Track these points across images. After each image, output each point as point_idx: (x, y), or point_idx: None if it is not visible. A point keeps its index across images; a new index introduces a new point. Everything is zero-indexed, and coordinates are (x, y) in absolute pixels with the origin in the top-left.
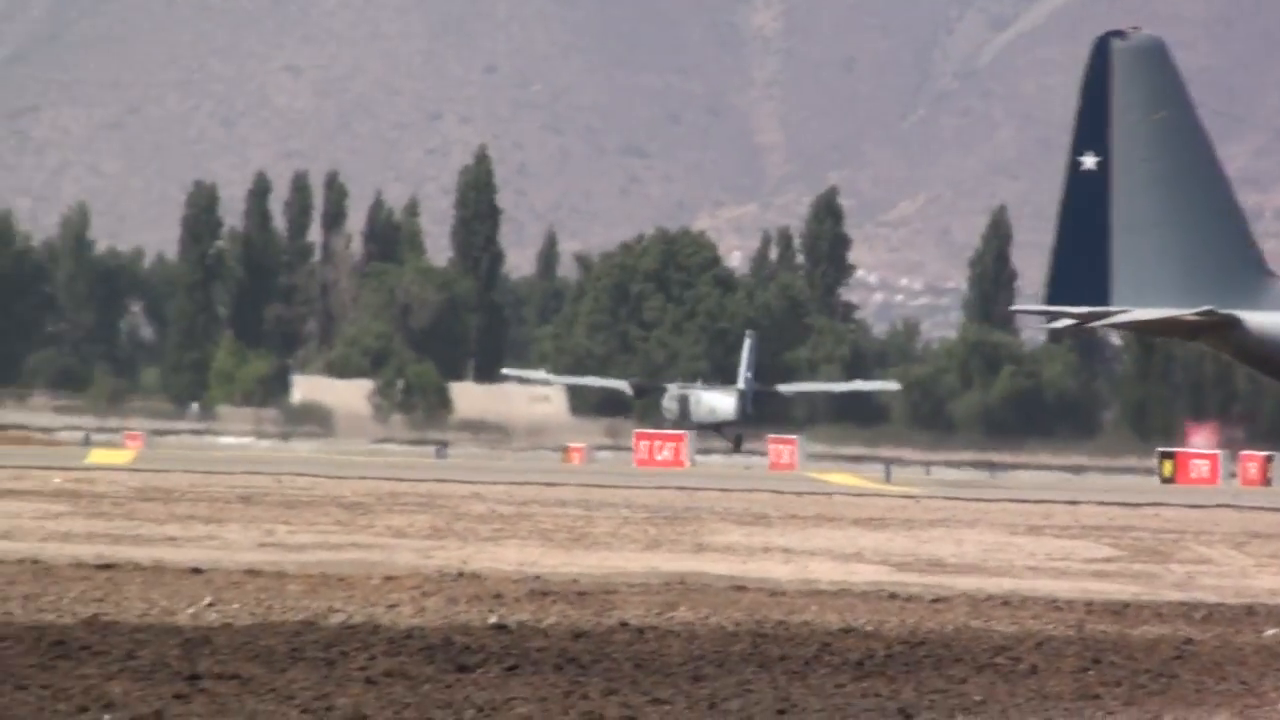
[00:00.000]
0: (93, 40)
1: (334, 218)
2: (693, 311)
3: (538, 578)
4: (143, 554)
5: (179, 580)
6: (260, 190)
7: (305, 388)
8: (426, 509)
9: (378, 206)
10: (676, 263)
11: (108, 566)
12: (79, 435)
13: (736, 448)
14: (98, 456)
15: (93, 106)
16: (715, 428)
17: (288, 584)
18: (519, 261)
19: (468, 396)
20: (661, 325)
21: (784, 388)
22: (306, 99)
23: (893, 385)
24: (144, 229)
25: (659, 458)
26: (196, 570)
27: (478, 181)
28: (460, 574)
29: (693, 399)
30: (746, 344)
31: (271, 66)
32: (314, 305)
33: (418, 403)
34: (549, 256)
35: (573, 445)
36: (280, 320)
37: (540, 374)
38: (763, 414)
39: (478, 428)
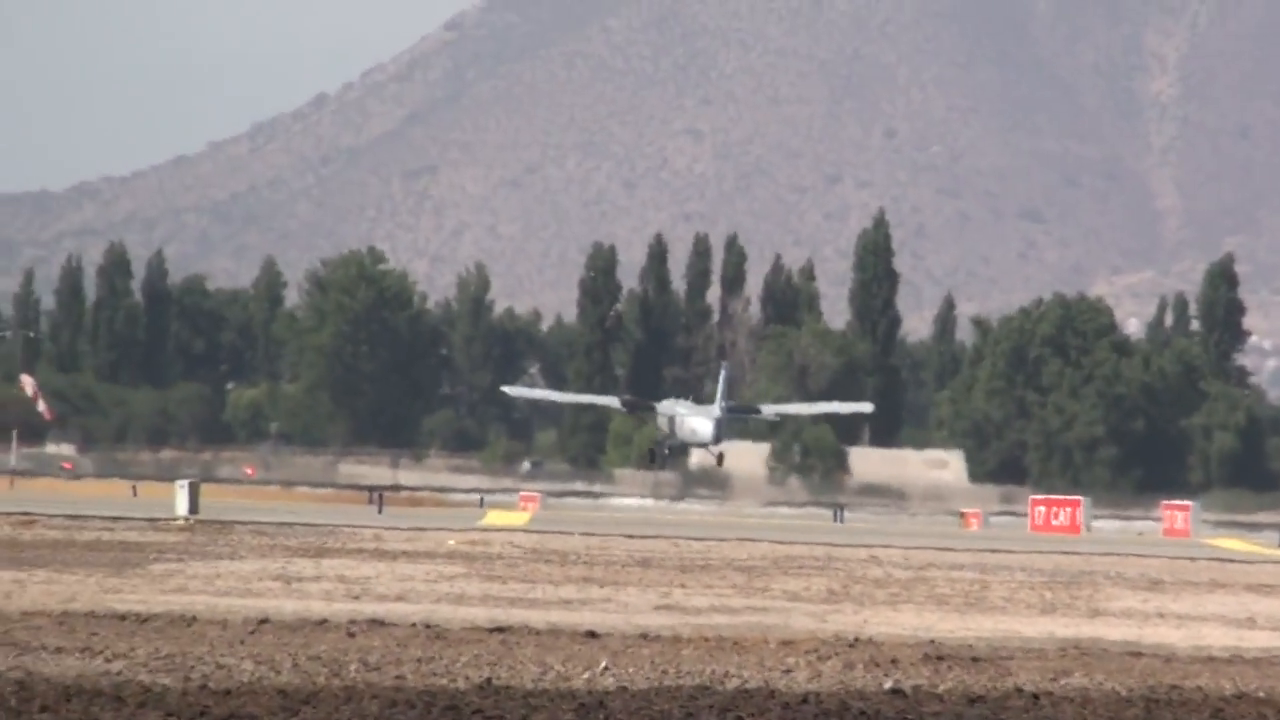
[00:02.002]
0: (491, 101)
1: (733, 280)
2: (1089, 376)
3: (933, 642)
4: (537, 617)
5: (574, 644)
6: (659, 252)
7: (702, 451)
8: (823, 573)
9: (776, 269)
10: (1074, 328)
11: (502, 630)
12: (474, 496)
13: (719, 463)
14: (493, 518)
15: (491, 167)
16: (683, 448)
17: (683, 648)
18: (916, 325)
19: (865, 460)
20: (1058, 390)
21: (765, 407)
22: (706, 161)
23: (865, 407)
24: (542, 291)
25: (1054, 523)
26: (592, 634)
27: (876, 245)
28: (856, 639)
29: (678, 419)
30: (722, 374)
31: (672, 129)
32: (711, 367)
33: (814, 466)
34: (946, 320)
35: (968, 510)
36: (678, 382)
37: (539, 391)
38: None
39: (874, 491)
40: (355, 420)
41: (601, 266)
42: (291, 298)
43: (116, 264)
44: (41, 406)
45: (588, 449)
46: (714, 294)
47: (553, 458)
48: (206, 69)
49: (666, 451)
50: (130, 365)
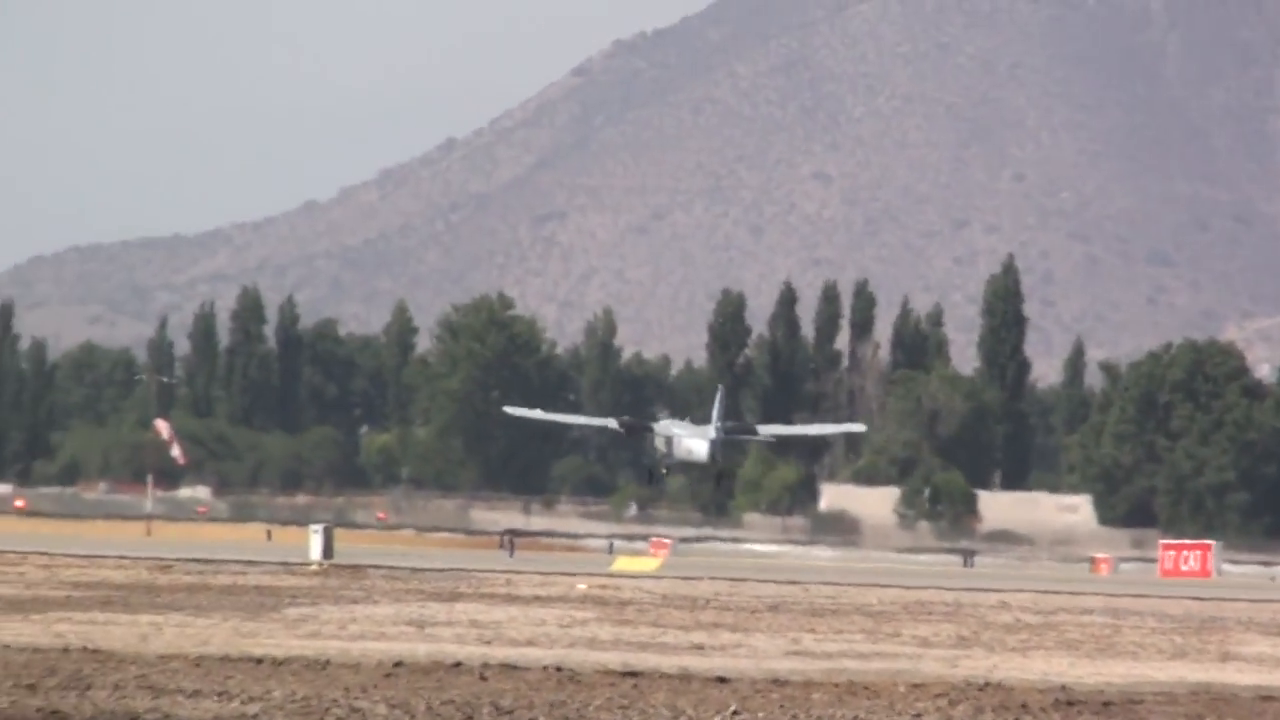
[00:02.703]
0: (619, 146)
1: (862, 326)
2: (1220, 421)
3: (1064, 688)
4: (668, 662)
5: (705, 688)
6: (788, 298)
7: (832, 495)
8: (952, 618)
9: (905, 314)
10: (1204, 373)
11: (633, 674)
12: (604, 542)
13: (718, 484)
14: (623, 564)
15: (619, 213)
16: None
17: (813, 692)
18: (1045, 370)
19: (995, 505)
20: (1188, 435)
21: (761, 428)
22: (834, 206)
23: (858, 427)
24: (670, 336)
25: (1184, 567)
26: (722, 679)
27: (1004, 290)
28: (986, 684)
29: (675, 440)
30: (718, 396)
31: (800, 174)
32: (841, 413)
33: (944, 511)
34: (1076, 365)
35: (1099, 555)
36: None
37: (538, 412)
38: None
39: (1004, 537)
40: (486, 465)
41: (730, 312)
42: (422, 343)
43: (250, 309)
44: (176, 451)
45: (718, 494)
46: (843, 339)
47: (683, 504)
48: (338, 115)
49: (664, 471)
50: (263, 410)
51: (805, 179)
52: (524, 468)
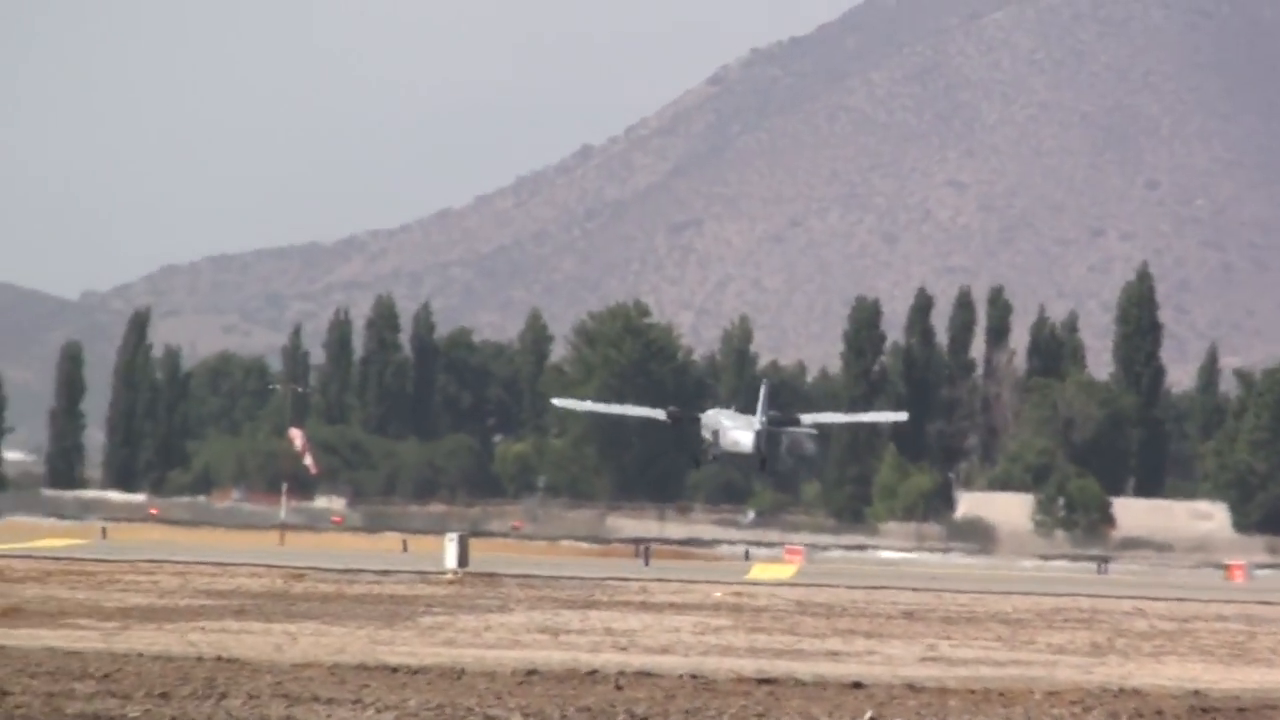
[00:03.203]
0: (754, 154)
1: (997, 333)
2: None
3: (1199, 694)
4: (803, 668)
5: (840, 695)
6: (922, 305)
7: (968, 503)
8: (1088, 625)
9: (1040, 322)
10: None
11: (768, 681)
12: (740, 549)
13: (761, 467)
14: (759, 571)
15: (755, 221)
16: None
17: (949, 699)
18: (1180, 377)
19: (1129, 512)
20: None
21: (804, 417)
22: (969, 214)
23: (900, 416)
24: (806, 343)
25: None
26: (858, 685)
27: (1139, 298)
28: (1121, 690)
29: (721, 431)
30: (763, 387)
31: (934, 181)
32: (976, 420)
33: (1079, 519)
34: (1210, 372)
35: (1233, 562)
36: (942, 435)
37: (586, 404)
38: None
39: (1139, 544)
40: (621, 474)
41: (865, 319)
42: (557, 351)
43: (384, 318)
44: (309, 460)
45: (853, 501)
46: (977, 347)
47: (817, 510)
48: (473, 123)
49: (711, 458)
50: (398, 418)
51: (940, 186)
52: (659, 475)
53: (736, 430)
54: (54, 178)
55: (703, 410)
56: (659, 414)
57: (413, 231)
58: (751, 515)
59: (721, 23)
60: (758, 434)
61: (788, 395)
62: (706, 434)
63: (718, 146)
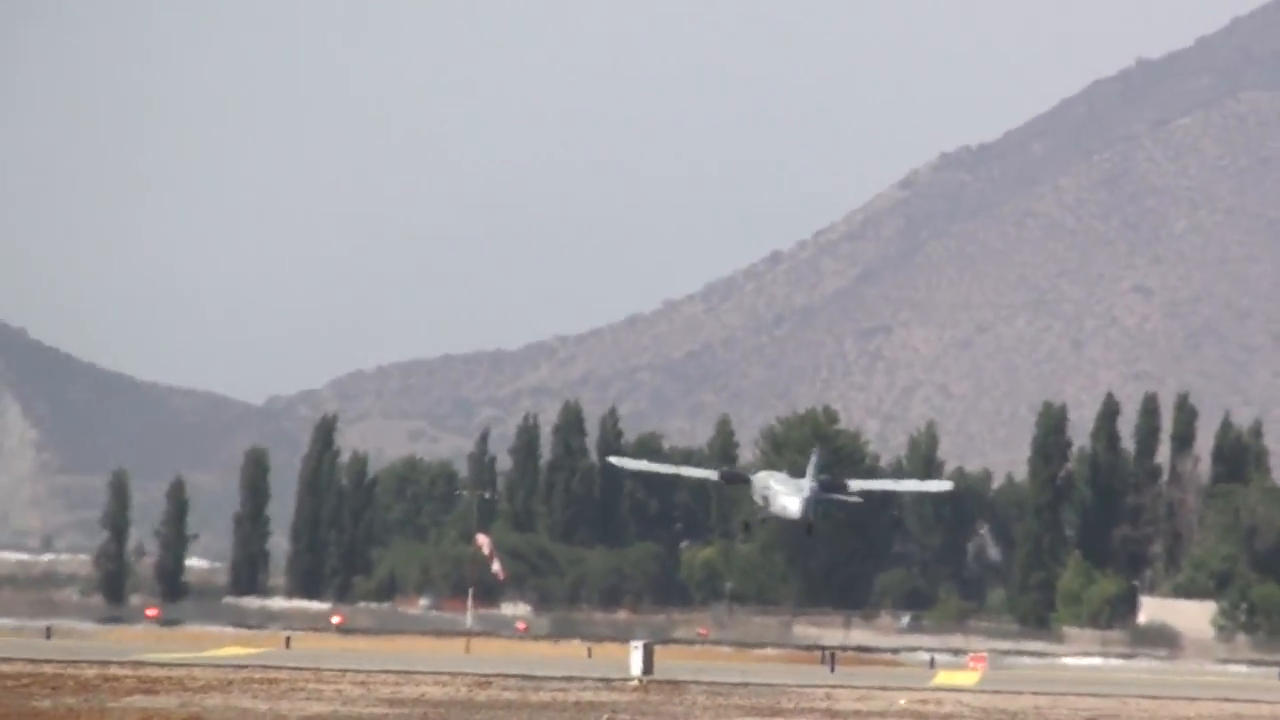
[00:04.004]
0: (943, 260)
1: (1182, 439)
2: None
3: None
4: None
5: None
6: (1109, 411)
7: (1152, 609)
8: None
9: (1225, 428)
10: None
11: None
12: (925, 656)
13: (808, 532)
14: (944, 678)
15: (943, 327)
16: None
17: None
18: None
19: None
20: None
21: (852, 483)
22: (1156, 320)
23: (946, 485)
24: (992, 450)
25: None
26: None
27: None
28: None
29: (771, 495)
30: (813, 455)
31: (1121, 287)
32: (1160, 526)
33: (1261, 623)
34: None
35: None
36: (1127, 541)
37: (643, 463)
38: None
39: None
40: (808, 580)
41: (1051, 425)
42: (745, 456)
43: (571, 423)
44: (496, 566)
45: (1037, 607)
46: (1163, 452)
47: (1002, 616)
48: (662, 228)
49: (761, 520)
50: (585, 525)
51: (1126, 292)
52: (845, 580)
53: (786, 496)
54: (241, 284)
55: (754, 473)
56: (712, 475)
57: (602, 336)
58: (907, 620)
59: (910, 128)
60: (806, 500)
61: (973, 502)
62: (757, 498)
63: (906, 252)
